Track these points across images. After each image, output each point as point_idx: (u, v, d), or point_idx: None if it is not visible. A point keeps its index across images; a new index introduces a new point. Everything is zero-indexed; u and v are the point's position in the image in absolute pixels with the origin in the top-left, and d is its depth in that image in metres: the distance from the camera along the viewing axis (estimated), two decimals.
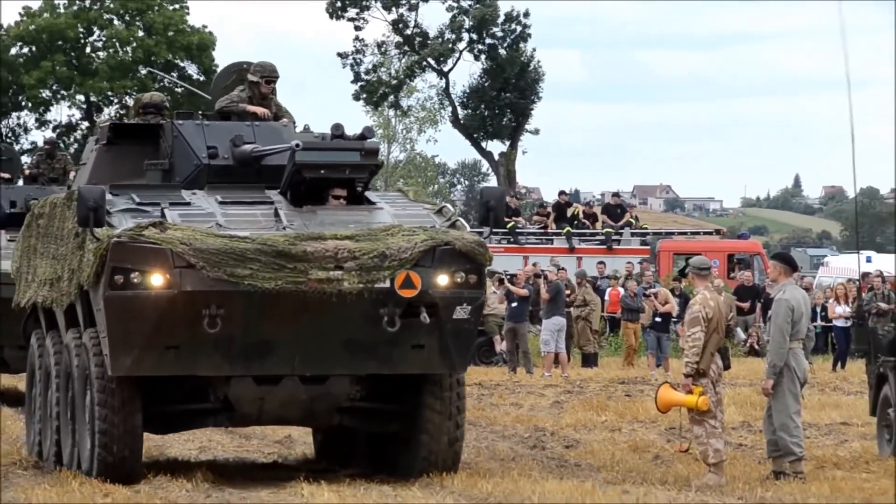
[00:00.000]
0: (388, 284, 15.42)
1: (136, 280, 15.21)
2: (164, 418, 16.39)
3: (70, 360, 16.52)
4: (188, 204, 15.96)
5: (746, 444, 19.99)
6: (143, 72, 66.70)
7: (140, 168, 17.17)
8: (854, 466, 18.18)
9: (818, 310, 38.15)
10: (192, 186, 16.46)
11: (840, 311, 38.47)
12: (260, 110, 17.43)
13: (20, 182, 29.26)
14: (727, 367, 17.17)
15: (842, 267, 53.83)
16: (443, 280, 15.61)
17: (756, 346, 35.20)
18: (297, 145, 16.16)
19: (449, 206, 16.47)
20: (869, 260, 47.52)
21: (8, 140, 59.96)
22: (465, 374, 16.64)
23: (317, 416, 16.51)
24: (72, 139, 64.45)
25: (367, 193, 16.70)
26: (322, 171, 16.13)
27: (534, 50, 71.49)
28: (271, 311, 15.35)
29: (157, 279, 15.18)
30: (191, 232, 15.25)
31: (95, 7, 66.74)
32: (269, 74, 18.17)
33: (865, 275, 37.42)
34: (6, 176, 28.96)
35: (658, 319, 34.14)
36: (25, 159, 40.35)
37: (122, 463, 15.68)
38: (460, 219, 16.40)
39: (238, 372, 15.67)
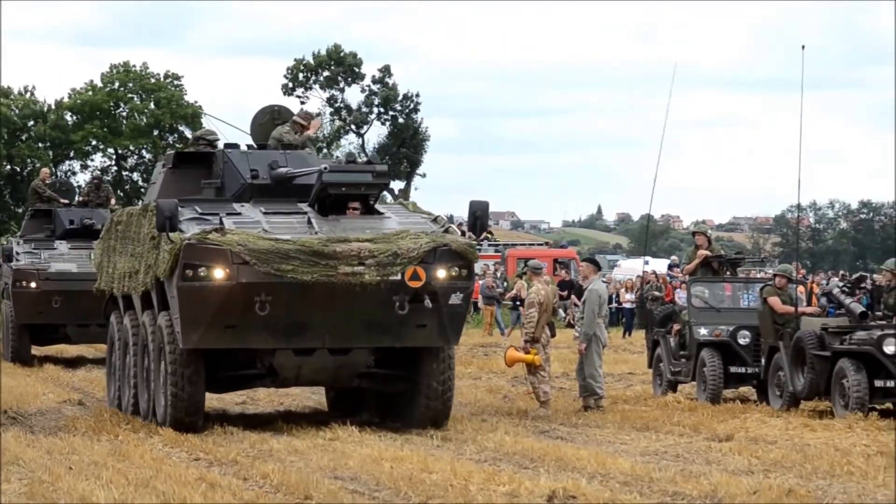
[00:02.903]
0: (399, 277, 14.93)
1: (202, 274, 14.74)
2: (222, 381, 16.09)
3: (146, 335, 16.35)
4: (239, 214, 15.67)
5: (566, 387, 20.53)
6: (155, 133, 66.24)
7: (197, 186, 16.83)
8: (637, 402, 19.27)
9: (613, 296, 38.68)
10: (239, 200, 16.24)
11: (628, 297, 40.13)
12: (312, 132, 17.78)
13: (75, 206, 28.68)
14: (553, 335, 17.58)
15: (628, 268, 54.83)
16: (442, 273, 15.11)
17: (572, 322, 35.33)
18: (325, 168, 15.76)
19: (442, 216, 16.40)
20: (647, 263, 47.69)
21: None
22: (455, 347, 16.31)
23: (341, 379, 16.10)
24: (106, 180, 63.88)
25: (376, 206, 16.51)
26: (343, 189, 15.62)
27: (422, 119, 71.74)
28: (308, 298, 14.92)
29: (219, 273, 14.74)
30: (244, 235, 14.93)
31: (121, 88, 66.45)
32: (307, 119, 17.82)
33: (644, 273, 37.80)
34: (65, 201, 29.20)
35: (518, 303, 34.28)
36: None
37: (188, 415, 15.42)
38: (452, 226, 16.20)
39: (281, 345, 15.31)
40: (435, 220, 15.96)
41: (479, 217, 15.71)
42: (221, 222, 15.12)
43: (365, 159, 16.88)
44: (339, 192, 15.61)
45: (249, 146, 17.36)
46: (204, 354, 15.38)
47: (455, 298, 15.16)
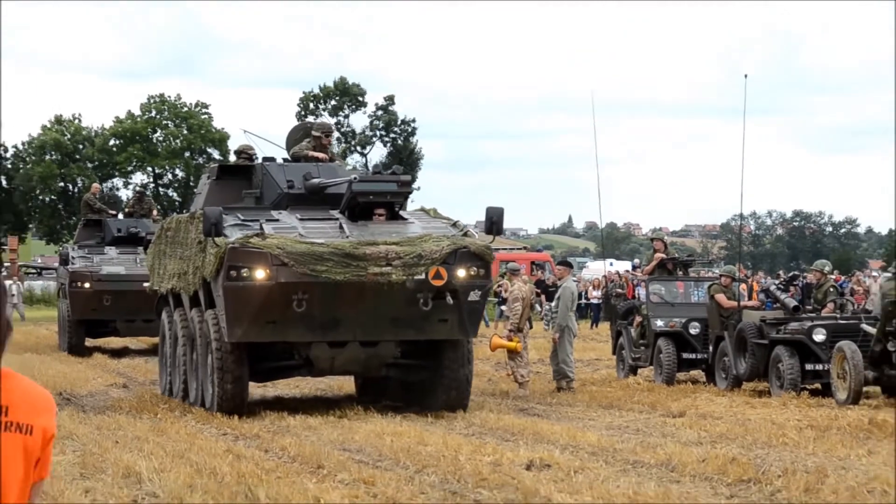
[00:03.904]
0: (423, 276, 14.33)
1: (245, 274, 14.23)
2: (263, 372, 15.64)
3: (194, 330, 15.86)
4: (277, 220, 15.14)
5: (541, 372, 20.43)
6: (186, 154, 66.75)
7: (238, 195, 16.30)
8: (603, 384, 19.11)
9: (582, 293, 38.57)
10: (276, 208, 15.75)
11: (595, 294, 39.89)
12: (321, 156, 16.67)
13: (121, 216, 28.67)
14: (531, 326, 17.15)
15: (595, 269, 54.95)
16: (462, 273, 14.52)
17: (545, 316, 35.45)
18: (355, 178, 15.32)
19: (461, 221, 15.74)
20: (611, 264, 47.76)
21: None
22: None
23: (370, 369, 15.51)
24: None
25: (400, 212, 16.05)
26: (371, 197, 15.08)
27: (417, 140, 71.44)
28: (340, 296, 14.37)
29: (260, 273, 14.21)
30: (283, 240, 14.39)
31: (157, 116, 66.66)
32: (326, 131, 17.31)
33: (609, 273, 37.83)
34: (113, 212, 28.93)
35: (499, 299, 34.48)
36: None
37: (234, 402, 14.88)
38: (470, 229, 15.61)
39: (317, 338, 14.78)
40: (454, 224, 15.41)
41: (494, 222, 15.21)
42: (261, 228, 14.65)
43: (390, 170, 16.25)
44: (368, 199, 15.09)
45: (285, 159, 16.88)
46: (247, 348, 14.92)
47: (474, 295, 14.63)
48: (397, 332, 14.85)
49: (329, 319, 14.57)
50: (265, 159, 16.72)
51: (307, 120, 17.65)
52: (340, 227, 14.89)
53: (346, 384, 18.63)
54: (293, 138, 17.37)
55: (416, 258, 14.31)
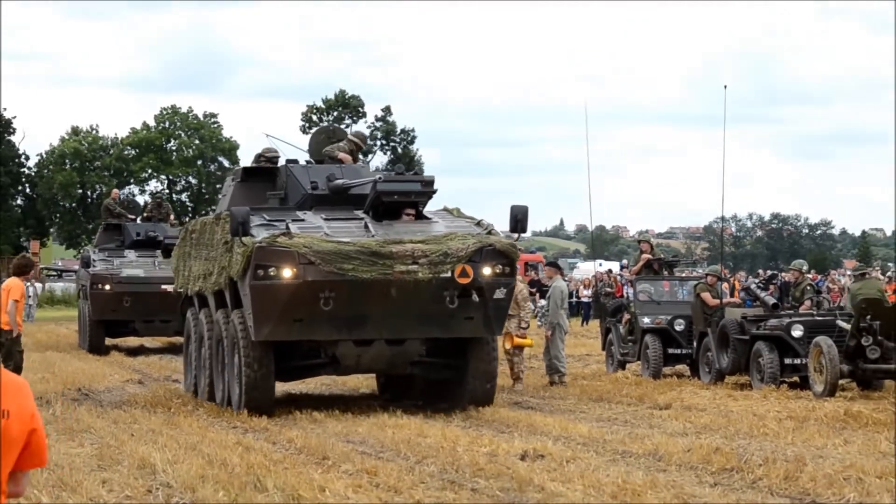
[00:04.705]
0: (449, 274, 13.54)
1: (272, 273, 13.42)
2: (289, 370, 14.80)
3: (220, 330, 15.09)
4: (303, 220, 14.37)
5: (534, 367, 20.53)
6: (199, 163, 66.89)
7: (262, 197, 15.57)
8: (593, 378, 19.11)
9: (574, 292, 38.61)
10: (301, 209, 14.99)
11: (585, 293, 39.74)
12: (344, 157, 16.06)
13: (139, 221, 28.56)
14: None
15: (586, 269, 54.94)
16: (487, 271, 13.72)
17: (538, 314, 35.38)
18: (380, 178, 14.59)
19: (485, 220, 14.72)
20: (601, 265, 47.77)
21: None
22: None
23: (396, 367, 14.68)
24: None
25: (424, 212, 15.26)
26: (395, 196, 14.30)
27: (417, 149, 71.82)
28: (367, 294, 13.57)
29: (287, 272, 13.39)
30: (309, 239, 13.61)
31: (170, 126, 66.81)
32: (362, 140, 17.11)
33: (598, 273, 37.80)
34: (132, 217, 28.62)
35: None
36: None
37: (260, 401, 14.10)
38: (494, 228, 14.55)
39: (343, 337, 13.97)
40: (478, 223, 14.50)
41: (519, 220, 14.44)
42: (288, 227, 13.87)
43: (413, 171, 15.75)
44: (392, 199, 14.33)
45: (307, 161, 16.33)
46: (273, 346, 14.12)
47: (499, 293, 13.83)
48: (423, 330, 14.07)
49: (355, 318, 13.82)
50: (288, 161, 16.16)
51: (329, 124, 17.29)
52: (366, 226, 14.20)
53: (362, 382, 18.05)
54: (316, 141, 16.91)
55: (443, 256, 13.60)
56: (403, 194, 14.37)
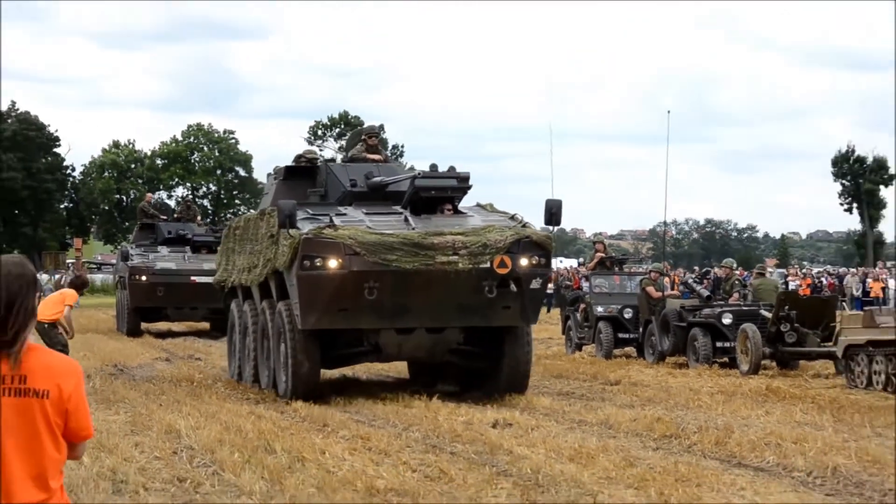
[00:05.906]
0: (488, 265, 12.31)
1: (318, 264, 12.18)
2: (333, 358, 13.49)
3: (265, 320, 13.89)
4: (345, 214, 13.11)
5: None
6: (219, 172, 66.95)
7: (303, 194, 14.23)
8: (554, 358, 19.18)
9: None
10: (341, 205, 13.74)
11: (548, 286, 38.88)
12: (378, 157, 14.74)
13: (171, 221, 28.45)
14: None
15: None
16: (524, 262, 12.46)
17: None
18: (419, 174, 13.47)
19: (518, 214, 13.34)
20: (561, 262, 47.86)
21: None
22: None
23: (435, 355, 13.35)
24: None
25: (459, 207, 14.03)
26: (433, 192, 13.17)
27: (407, 161, 73.18)
28: (409, 284, 12.31)
29: (333, 263, 12.15)
30: (354, 231, 12.38)
31: (195, 141, 66.71)
32: (368, 132, 15.23)
33: (559, 269, 37.64)
34: (164, 217, 28.37)
35: None
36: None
37: (307, 387, 12.84)
38: (528, 221, 13.20)
39: (385, 325, 12.71)
40: (512, 217, 13.21)
41: (553, 213, 13.10)
42: (332, 220, 12.64)
43: (449, 167, 14.32)
44: (430, 194, 13.15)
45: (346, 159, 15.13)
46: (319, 335, 12.86)
47: (535, 283, 12.58)
48: (462, 319, 12.76)
49: (398, 307, 12.52)
50: (328, 160, 15.28)
51: (364, 126, 15.99)
52: (406, 219, 12.94)
53: (393, 367, 16.22)
54: (351, 143, 15.84)
55: (482, 247, 12.37)
56: (440, 189, 13.28)
